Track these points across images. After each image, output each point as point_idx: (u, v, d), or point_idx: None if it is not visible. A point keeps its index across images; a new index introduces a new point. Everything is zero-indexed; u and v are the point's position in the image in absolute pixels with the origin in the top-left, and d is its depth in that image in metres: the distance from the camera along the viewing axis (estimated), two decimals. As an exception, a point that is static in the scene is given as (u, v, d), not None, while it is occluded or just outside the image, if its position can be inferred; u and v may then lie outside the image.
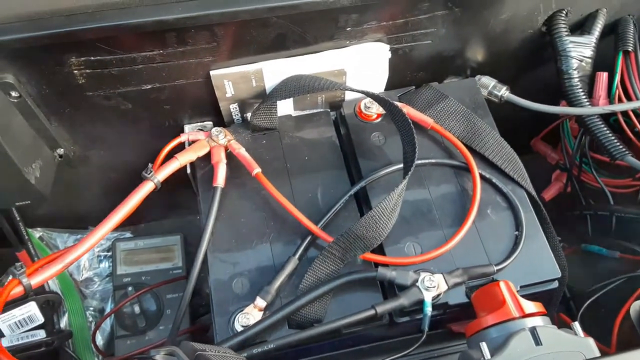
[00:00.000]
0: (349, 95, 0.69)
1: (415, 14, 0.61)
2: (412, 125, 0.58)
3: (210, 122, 0.70)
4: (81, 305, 0.77)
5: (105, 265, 0.83)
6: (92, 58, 0.56)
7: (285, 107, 0.68)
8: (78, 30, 0.52)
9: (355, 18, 0.59)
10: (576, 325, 0.44)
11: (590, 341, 0.43)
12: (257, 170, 0.61)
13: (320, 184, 0.63)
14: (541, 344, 0.42)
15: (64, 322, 0.75)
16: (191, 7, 0.52)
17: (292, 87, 0.62)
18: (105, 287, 0.81)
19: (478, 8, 0.63)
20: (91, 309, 0.80)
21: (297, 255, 0.57)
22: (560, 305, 0.81)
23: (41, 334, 0.70)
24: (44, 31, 0.52)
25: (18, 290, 0.49)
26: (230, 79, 0.63)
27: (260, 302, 0.54)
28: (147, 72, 0.60)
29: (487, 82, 0.70)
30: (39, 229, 0.82)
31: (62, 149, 0.67)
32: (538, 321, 0.46)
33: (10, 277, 0.49)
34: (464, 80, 0.72)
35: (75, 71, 0.57)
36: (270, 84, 0.65)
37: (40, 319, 0.71)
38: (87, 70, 0.57)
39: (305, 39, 0.61)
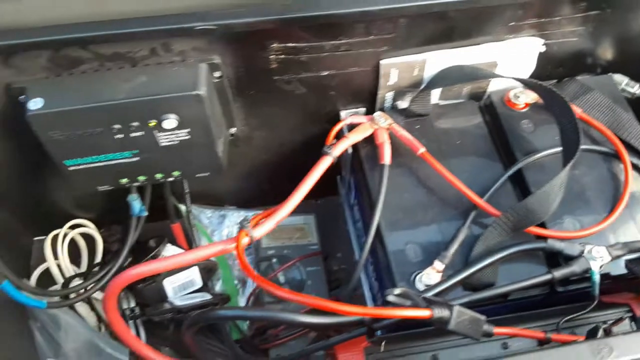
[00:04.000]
0: (492, 88, 0.75)
1: (572, 12, 0.67)
2: (573, 110, 0.63)
3: (364, 109, 0.76)
4: (232, 274, 0.84)
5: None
6: (290, 45, 0.63)
7: (433, 97, 0.75)
8: (291, 19, 0.58)
9: (520, 14, 0.65)
10: None
11: None
12: (422, 149, 0.67)
13: (474, 166, 0.69)
14: None
15: (217, 288, 0.82)
16: None
17: (455, 76, 0.68)
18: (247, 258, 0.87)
19: (626, 8, 0.68)
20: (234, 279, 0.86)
21: (466, 225, 0.63)
22: None
23: (205, 296, 0.76)
24: (256, 17, 0.59)
25: (246, 241, 0.56)
26: (396, 68, 0.70)
27: (439, 265, 0.60)
28: (329, 60, 0.66)
29: (620, 79, 0.75)
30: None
31: (234, 128, 0.74)
32: None
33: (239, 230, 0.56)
34: (599, 77, 0.77)
35: (272, 56, 0.64)
36: (428, 73, 0.71)
37: (199, 283, 0.78)
38: (282, 56, 0.64)
39: (469, 33, 0.67)
